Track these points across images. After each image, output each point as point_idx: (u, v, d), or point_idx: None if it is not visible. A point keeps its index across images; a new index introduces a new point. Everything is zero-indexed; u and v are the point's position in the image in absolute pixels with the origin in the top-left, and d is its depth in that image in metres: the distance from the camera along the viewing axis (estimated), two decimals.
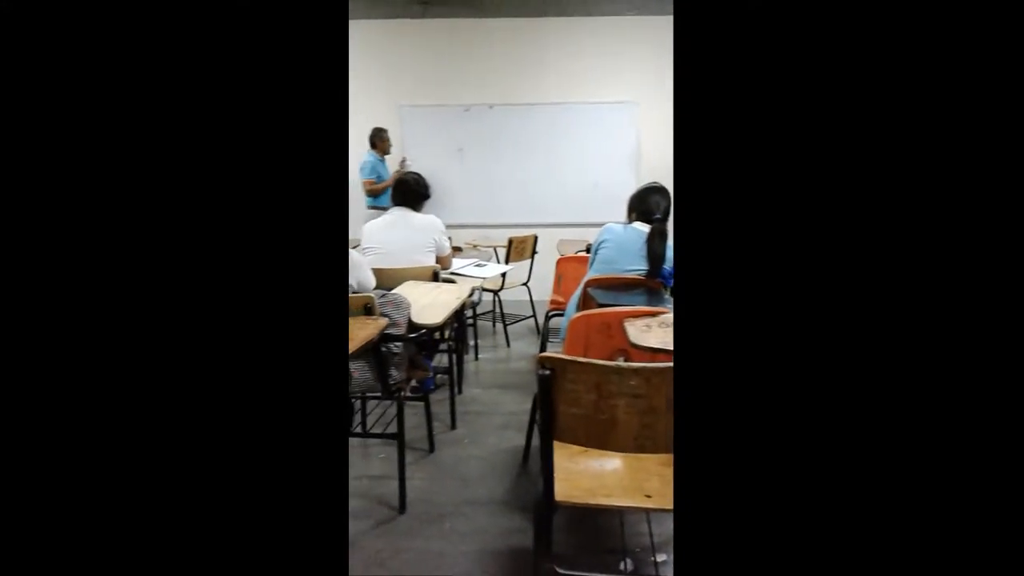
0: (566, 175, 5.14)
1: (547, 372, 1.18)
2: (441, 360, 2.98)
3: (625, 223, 2.23)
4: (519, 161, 5.16)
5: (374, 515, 1.91)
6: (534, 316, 4.10)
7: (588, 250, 2.45)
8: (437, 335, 2.58)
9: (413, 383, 2.27)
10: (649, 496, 1.29)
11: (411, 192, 2.78)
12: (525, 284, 3.89)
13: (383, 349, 1.90)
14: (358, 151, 4.65)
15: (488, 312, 4.16)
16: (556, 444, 1.25)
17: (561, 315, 2.52)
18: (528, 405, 2.48)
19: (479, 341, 3.74)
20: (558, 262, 3.17)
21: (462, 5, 4.72)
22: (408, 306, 1.96)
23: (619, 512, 1.84)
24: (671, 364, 1.10)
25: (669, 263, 2.11)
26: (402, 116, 5.11)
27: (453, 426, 2.58)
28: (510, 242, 3.75)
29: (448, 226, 2.91)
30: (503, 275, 3.46)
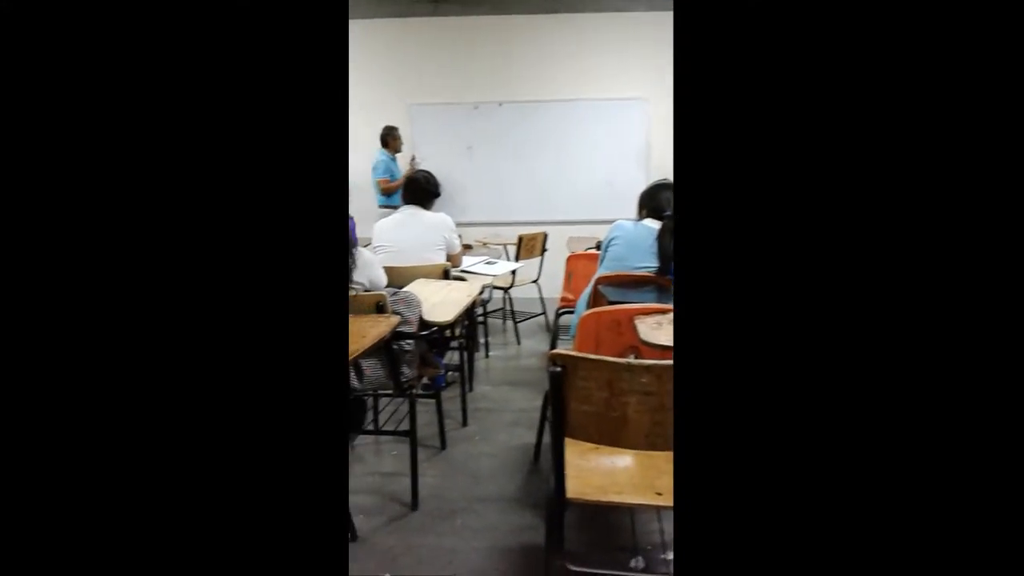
0: (576, 172, 5.13)
1: (559, 369, 1.18)
2: (452, 357, 2.99)
3: (635, 220, 2.22)
4: (528, 158, 5.15)
5: (386, 511, 1.93)
6: (544, 314, 4.10)
7: (598, 247, 2.44)
8: (448, 332, 2.59)
9: (424, 380, 2.29)
10: (660, 494, 1.29)
11: (421, 190, 2.79)
12: (535, 282, 3.89)
13: (395, 347, 1.91)
14: (370, 150, 4.67)
15: (498, 310, 4.17)
16: (567, 441, 1.25)
17: (571, 313, 2.51)
18: (538, 402, 2.49)
19: (489, 338, 3.74)
20: (568, 259, 3.17)
21: (472, 2, 4.72)
22: (419, 304, 1.97)
23: (630, 509, 1.84)
24: None
25: None
26: (412, 115, 5.12)
27: (464, 423, 2.59)
28: (520, 240, 3.76)
29: (458, 224, 2.92)
30: (513, 273, 3.46)
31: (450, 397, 2.72)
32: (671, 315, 1.61)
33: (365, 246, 2.30)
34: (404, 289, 2.09)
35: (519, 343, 3.84)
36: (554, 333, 2.99)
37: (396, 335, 1.86)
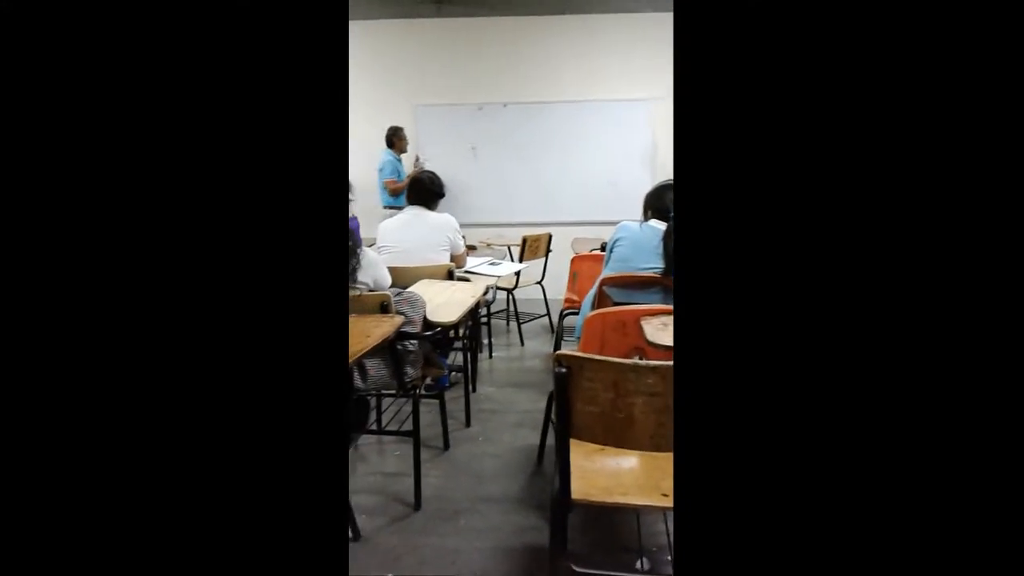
0: (580, 173, 5.13)
1: (564, 370, 1.18)
2: (456, 358, 2.99)
3: (641, 221, 2.22)
4: (533, 159, 5.15)
5: (389, 512, 1.92)
6: (548, 315, 4.10)
7: (603, 248, 2.44)
8: (452, 333, 2.59)
9: (428, 381, 2.28)
10: (666, 495, 1.28)
11: (426, 191, 2.79)
12: (539, 283, 3.88)
13: (399, 347, 1.91)
14: (375, 151, 4.68)
15: (502, 311, 4.16)
16: (572, 442, 1.25)
17: (575, 314, 2.51)
18: (542, 404, 2.48)
19: (493, 339, 3.74)
20: (572, 260, 3.16)
21: (476, 3, 4.73)
22: (423, 304, 1.97)
23: (635, 511, 1.84)
24: None
25: None
26: (417, 115, 5.13)
27: (468, 424, 2.59)
28: (524, 240, 3.75)
29: (462, 225, 2.92)
30: (517, 274, 3.46)
31: (454, 398, 2.72)
32: None
33: (369, 246, 2.30)
34: (408, 289, 2.09)
35: (523, 344, 3.83)
36: (558, 334, 2.98)
37: (400, 335, 1.85)
